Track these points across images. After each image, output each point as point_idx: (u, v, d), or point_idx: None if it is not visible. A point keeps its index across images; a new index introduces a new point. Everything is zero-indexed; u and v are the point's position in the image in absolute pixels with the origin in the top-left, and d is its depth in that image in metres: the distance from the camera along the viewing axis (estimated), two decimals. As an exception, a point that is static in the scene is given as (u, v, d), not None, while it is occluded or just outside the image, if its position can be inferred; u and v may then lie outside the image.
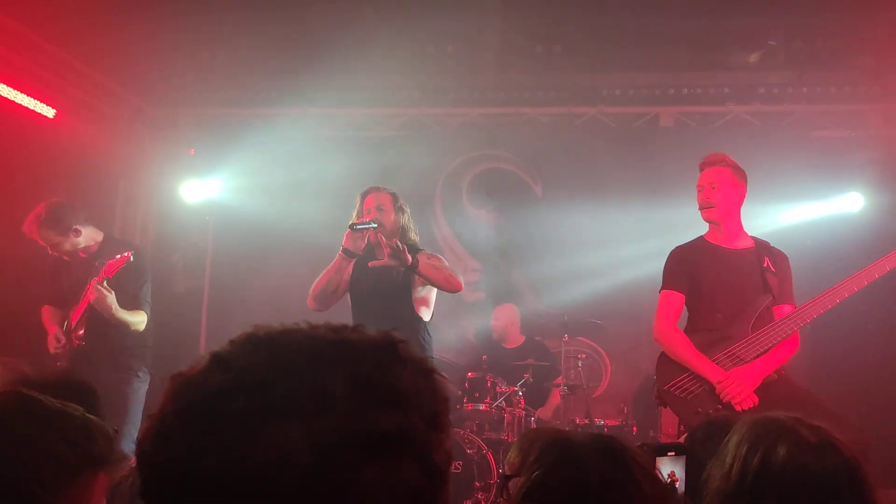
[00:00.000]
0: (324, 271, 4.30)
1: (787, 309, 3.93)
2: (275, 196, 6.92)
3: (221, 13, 5.64)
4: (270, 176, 6.89)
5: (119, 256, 4.32)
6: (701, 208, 3.98)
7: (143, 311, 4.53)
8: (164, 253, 7.07)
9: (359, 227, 4.17)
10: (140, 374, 4.54)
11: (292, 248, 6.71)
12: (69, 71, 6.09)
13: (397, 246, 4.03)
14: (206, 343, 7.27)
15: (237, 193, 7.03)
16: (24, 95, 5.66)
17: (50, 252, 4.51)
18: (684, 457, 1.75)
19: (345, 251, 4.19)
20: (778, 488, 1.53)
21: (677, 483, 1.73)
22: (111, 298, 4.28)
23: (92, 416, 1.47)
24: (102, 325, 4.41)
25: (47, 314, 4.69)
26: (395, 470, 0.78)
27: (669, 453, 1.73)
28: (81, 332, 4.46)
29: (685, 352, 3.84)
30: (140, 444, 0.81)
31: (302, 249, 6.45)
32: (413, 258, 4.07)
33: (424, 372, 0.84)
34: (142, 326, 4.52)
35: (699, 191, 3.99)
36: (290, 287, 6.66)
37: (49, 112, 5.89)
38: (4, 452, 1.34)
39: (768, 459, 1.55)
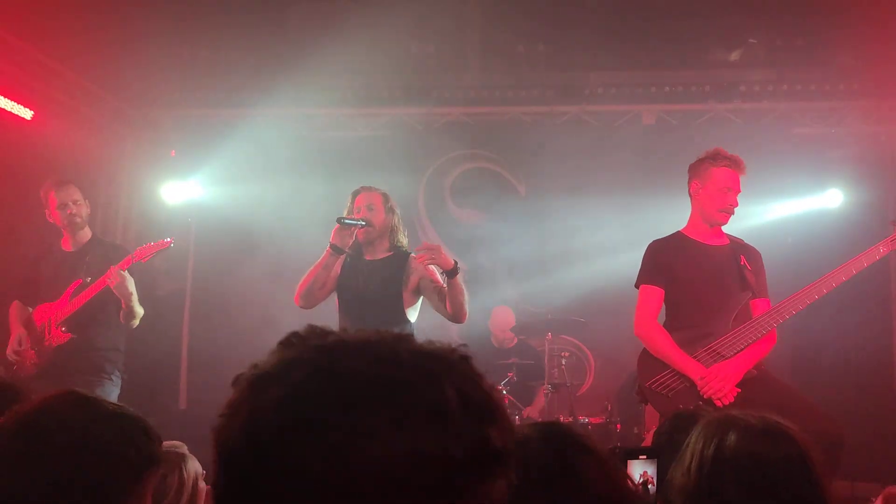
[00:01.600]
0: (310, 269, 4.28)
1: (763, 304, 3.95)
2: (256, 197, 6.88)
3: (202, 13, 5.60)
4: (252, 177, 6.86)
5: (153, 244, 4.40)
6: (726, 211, 3.92)
7: (140, 309, 4.53)
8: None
9: (347, 221, 4.15)
10: (113, 378, 4.49)
11: (274, 249, 6.69)
12: (47, 72, 6.02)
13: (436, 247, 4.01)
14: (188, 345, 7.23)
15: (219, 194, 6.99)
16: (1, 97, 5.59)
17: (56, 214, 4.50)
18: (656, 459, 1.76)
19: (332, 247, 4.17)
20: (732, 474, 1.60)
21: (651, 484, 1.74)
22: (132, 285, 4.32)
23: (142, 416, 1.46)
24: (84, 324, 4.40)
25: (15, 312, 4.62)
26: (501, 483, 0.79)
27: (641, 456, 1.75)
28: (64, 328, 4.41)
29: (666, 348, 3.85)
30: (225, 438, 0.78)
31: (284, 250, 6.42)
32: (455, 262, 4.02)
33: (494, 387, 0.85)
34: (138, 321, 4.53)
35: (726, 191, 3.90)
36: (273, 288, 6.64)
37: (27, 114, 5.82)
38: (74, 457, 1.33)
39: (721, 448, 1.62)
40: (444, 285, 4.13)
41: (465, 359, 0.84)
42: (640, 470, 1.73)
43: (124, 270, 4.29)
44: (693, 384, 3.75)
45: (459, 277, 4.06)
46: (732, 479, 1.59)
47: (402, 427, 0.74)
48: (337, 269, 4.29)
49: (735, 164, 3.94)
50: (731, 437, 1.63)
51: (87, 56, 5.96)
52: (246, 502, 0.76)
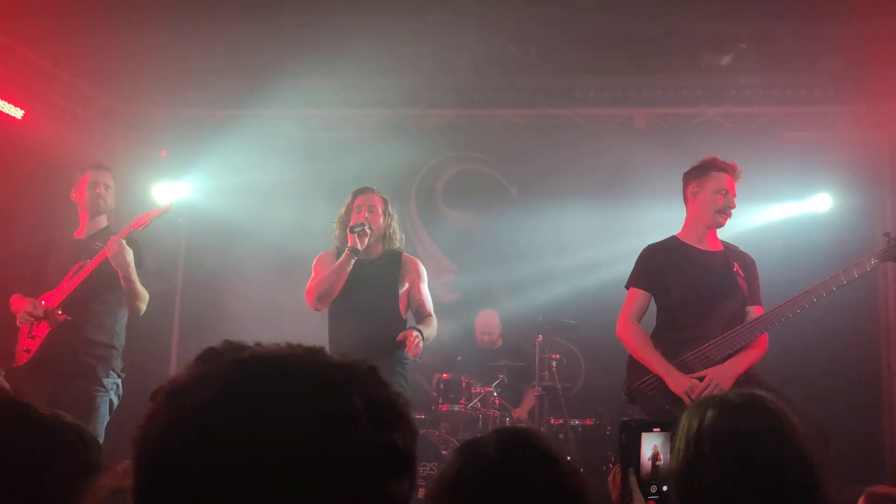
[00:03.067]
0: (321, 273, 4.31)
1: (756, 312, 3.97)
2: (248, 198, 6.87)
3: (194, 13, 5.58)
4: (243, 177, 6.84)
5: (151, 210, 4.37)
6: (722, 212, 3.97)
7: (146, 292, 4.45)
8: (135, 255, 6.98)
9: (356, 229, 4.23)
10: (106, 384, 4.33)
11: (265, 250, 6.68)
12: (38, 72, 6.01)
13: (414, 337, 4.10)
14: (178, 346, 7.20)
15: (210, 195, 6.97)
16: (-8, 96, 5.58)
17: (83, 192, 4.49)
18: (669, 432, 1.79)
19: (352, 250, 4.22)
20: (712, 446, 1.63)
21: (660, 461, 1.76)
22: (130, 255, 4.27)
23: (79, 423, 1.45)
24: (80, 306, 4.30)
25: (16, 298, 4.51)
26: (404, 484, 0.85)
27: (655, 429, 1.77)
28: (61, 311, 4.31)
29: (642, 349, 3.90)
30: (144, 448, 0.83)
31: (275, 251, 6.42)
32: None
33: (399, 393, 0.91)
34: (144, 306, 4.46)
35: (722, 193, 3.96)
36: (263, 289, 6.64)
37: (17, 113, 5.81)
38: (6, 465, 1.32)
39: (701, 425, 1.66)
40: (425, 305, 4.36)
41: (372, 369, 0.89)
42: (651, 443, 1.75)
43: (123, 238, 4.25)
44: None
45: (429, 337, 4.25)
46: (710, 454, 1.62)
47: (310, 433, 0.79)
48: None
49: (731, 170, 4.01)
50: (709, 414, 1.66)
51: (79, 55, 5.94)
52: None
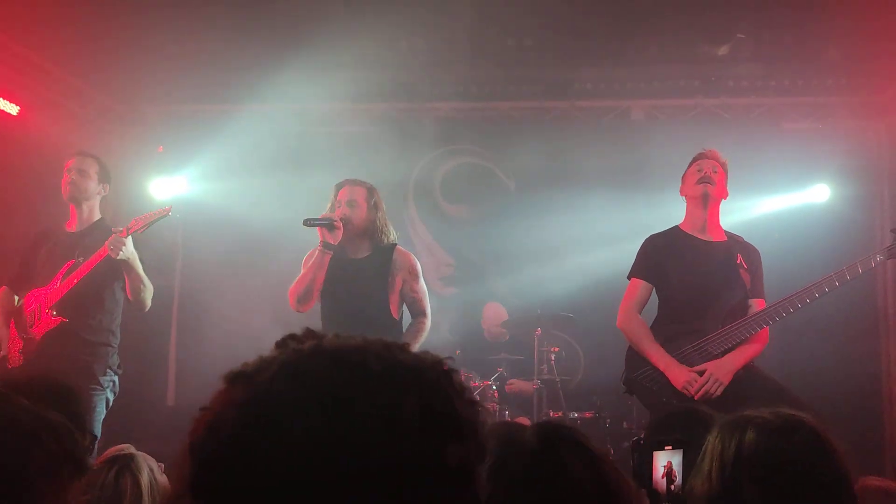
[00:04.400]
0: (302, 272, 4.17)
1: (757, 304, 3.96)
2: (245, 193, 6.85)
3: (189, 7, 5.56)
4: (240, 173, 6.82)
5: (150, 212, 4.28)
6: (700, 182, 3.99)
7: (151, 285, 4.40)
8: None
9: (314, 222, 4.05)
10: (103, 383, 4.27)
11: (263, 246, 6.66)
12: (33, 68, 5.99)
13: None
14: (176, 342, 7.20)
15: (207, 190, 6.95)
16: (-13, 93, 5.56)
17: (66, 176, 4.36)
18: (682, 450, 1.75)
19: (324, 245, 4.06)
20: (750, 474, 1.56)
21: (675, 477, 1.73)
22: (130, 248, 4.16)
23: (59, 415, 1.44)
24: (75, 307, 4.24)
25: (1, 297, 4.46)
26: (457, 499, 0.79)
27: (667, 447, 1.73)
28: (54, 312, 4.24)
29: (643, 341, 3.90)
30: (198, 437, 0.82)
31: (273, 247, 6.40)
32: None
33: (474, 402, 0.86)
34: (149, 301, 4.42)
35: (698, 169, 4.02)
36: (262, 284, 6.63)
37: (13, 109, 5.80)
38: None
39: (740, 448, 1.58)
40: (421, 301, 4.22)
41: (446, 373, 0.84)
42: (664, 461, 1.72)
43: (124, 238, 4.13)
44: None
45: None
46: (751, 478, 1.55)
47: (352, 432, 0.76)
48: (325, 267, 4.16)
49: (710, 154, 4.07)
50: (750, 436, 1.59)
51: (74, 52, 5.92)
52: (208, 496, 0.80)
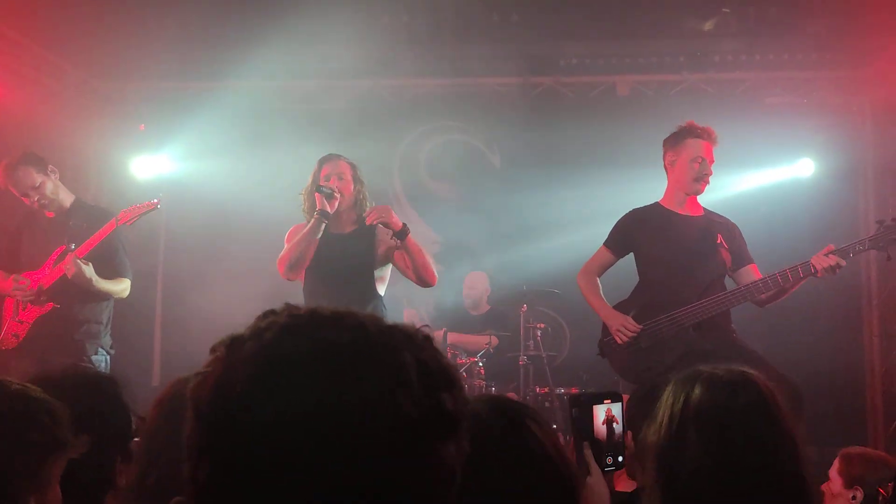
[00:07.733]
0: (296, 239, 4.16)
1: (752, 269, 4.03)
2: (228, 171, 6.80)
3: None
4: (223, 150, 6.76)
5: (139, 205, 4.32)
6: (700, 179, 4.01)
7: (125, 278, 4.45)
8: (115, 231, 6.90)
9: (325, 189, 4.08)
10: (93, 360, 4.35)
11: (246, 224, 6.62)
12: (11, 45, 5.88)
13: (386, 208, 4.04)
14: (160, 321, 7.16)
15: (189, 169, 6.89)
16: (-37, 70, 5.46)
17: (25, 199, 4.33)
18: (620, 403, 1.80)
19: (321, 213, 4.06)
20: (697, 425, 1.61)
21: (616, 423, 1.76)
22: (89, 271, 4.18)
23: (50, 398, 1.42)
24: (67, 293, 4.27)
25: None
26: (451, 446, 0.85)
27: (605, 401, 1.77)
28: (45, 297, 4.30)
29: (591, 297, 4.16)
30: (204, 397, 0.83)
31: (256, 224, 6.36)
32: (403, 224, 4.05)
33: (452, 363, 0.94)
34: (126, 293, 4.48)
35: (697, 161, 4.00)
36: (245, 261, 6.59)
37: (-11, 87, 5.69)
38: None
39: (687, 401, 1.64)
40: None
41: (427, 338, 0.91)
42: (603, 414, 1.75)
43: (80, 258, 4.14)
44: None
45: (412, 238, 4.08)
46: (695, 431, 1.61)
47: (361, 385, 0.80)
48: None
49: (707, 135, 4.05)
50: (697, 391, 1.65)
51: (52, 29, 5.81)
52: (217, 455, 0.81)
